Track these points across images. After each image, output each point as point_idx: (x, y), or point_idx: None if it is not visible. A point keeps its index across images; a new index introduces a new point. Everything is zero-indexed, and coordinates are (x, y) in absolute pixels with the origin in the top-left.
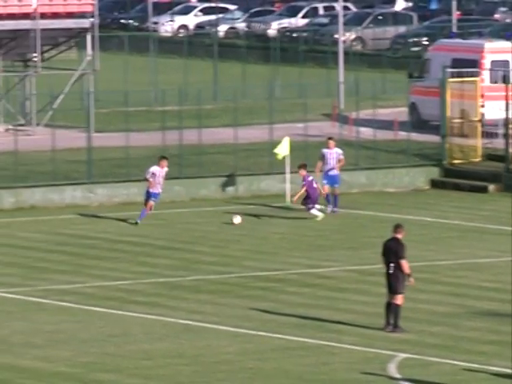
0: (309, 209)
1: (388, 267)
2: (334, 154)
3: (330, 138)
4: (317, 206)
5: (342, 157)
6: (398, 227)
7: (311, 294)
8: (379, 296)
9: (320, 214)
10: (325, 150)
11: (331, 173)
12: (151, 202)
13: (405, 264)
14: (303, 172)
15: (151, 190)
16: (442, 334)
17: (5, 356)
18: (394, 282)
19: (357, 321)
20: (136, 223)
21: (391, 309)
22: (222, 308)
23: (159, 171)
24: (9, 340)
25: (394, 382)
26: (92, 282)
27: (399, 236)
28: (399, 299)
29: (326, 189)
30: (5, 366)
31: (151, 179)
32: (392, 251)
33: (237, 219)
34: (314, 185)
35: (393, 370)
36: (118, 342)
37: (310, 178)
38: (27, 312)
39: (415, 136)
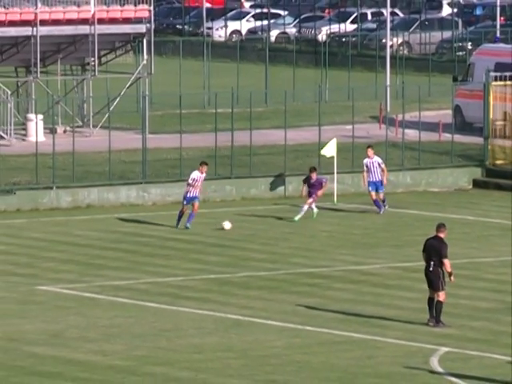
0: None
1: (429, 265)
2: (375, 163)
3: (368, 147)
4: (304, 208)
5: (383, 165)
6: (440, 226)
7: (356, 290)
8: (422, 292)
9: (299, 216)
10: (367, 161)
11: (374, 179)
12: (196, 203)
13: (447, 263)
14: (314, 175)
15: (188, 195)
16: (482, 329)
17: (61, 349)
18: (435, 280)
19: (400, 316)
20: (187, 228)
21: (433, 304)
22: (270, 303)
23: (199, 176)
24: (64, 334)
25: (436, 375)
26: (145, 279)
27: (442, 235)
28: (441, 296)
29: (374, 195)
30: (60, 359)
31: (192, 183)
32: (434, 249)
33: (227, 225)
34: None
35: (435, 363)
36: (170, 336)
37: (325, 180)
38: (83, 307)
39: (459, 138)
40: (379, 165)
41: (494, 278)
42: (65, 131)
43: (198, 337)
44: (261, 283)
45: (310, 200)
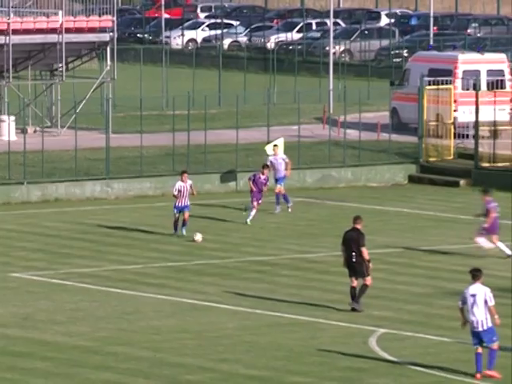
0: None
1: (351, 255)
2: (279, 159)
3: (275, 145)
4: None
5: (287, 160)
6: (357, 218)
7: (302, 277)
8: None
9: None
10: (272, 158)
11: (280, 175)
12: (186, 213)
13: (365, 251)
14: (266, 172)
15: (178, 204)
16: (417, 312)
17: (30, 331)
18: (360, 268)
19: (342, 300)
20: (182, 235)
21: (356, 292)
22: (222, 289)
23: (183, 186)
24: (34, 317)
25: (374, 353)
26: (108, 266)
27: (359, 226)
28: (368, 280)
29: (282, 190)
30: (30, 340)
31: (177, 195)
32: (353, 240)
33: (197, 236)
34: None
35: (373, 343)
36: (131, 318)
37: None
38: (51, 292)
39: (395, 137)
40: (283, 160)
41: (428, 265)
42: (35, 131)
43: (157, 319)
44: (214, 270)
45: (257, 203)
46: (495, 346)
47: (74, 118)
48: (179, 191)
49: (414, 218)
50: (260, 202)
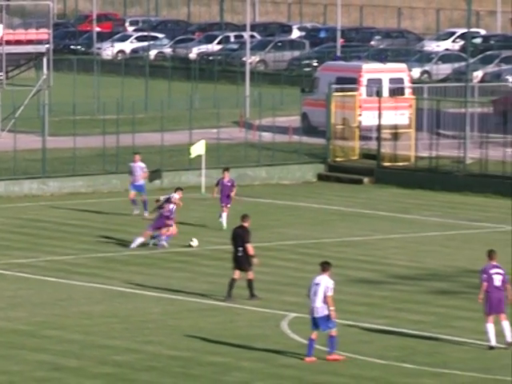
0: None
1: (237, 250)
2: (137, 167)
3: (136, 153)
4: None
5: (145, 169)
6: (244, 217)
7: (220, 266)
8: (275, 267)
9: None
10: (132, 165)
11: (136, 182)
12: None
13: (249, 247)
14: (227, 175)
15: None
16: None
17: None
18: (244, 262)
19: (258, 287)
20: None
21: (234, 284)
22: (148, 277)
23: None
24: None
25: (285, 335)
26: (44, 257)
27: (246, 224)
28: (250, 275)
29: (132, 195)
30: None
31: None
32: (240, 237)
33: (194, 242)
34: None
35: (285, 326)
36: (64, 305)
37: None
38: None
39: (306, 139)
40: (142, 169)
41: (335, 255)
42: None
43: (88, 305)
44: (140, 260)
45: (226, 206)
46: (333, 332)
47: (13, 122)
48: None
49: (322, 212)
50: (228, 205)
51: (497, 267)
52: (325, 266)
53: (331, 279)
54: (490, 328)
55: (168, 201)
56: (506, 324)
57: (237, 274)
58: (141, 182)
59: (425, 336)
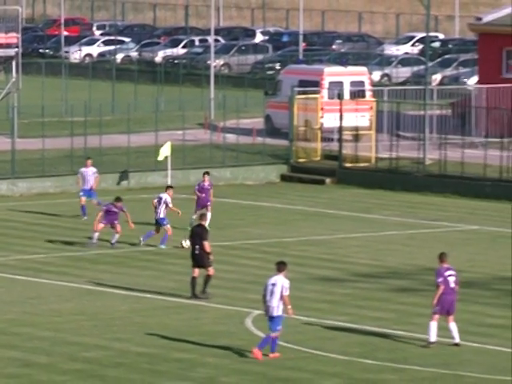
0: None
1: (195, 248)
2: (90, 172)
3: (88, 158)
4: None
5: (96, 174)
6: (202, 216)
7: (186, 264)
8: (239, 266)
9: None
10: (83, 170)
11: (87, 187)
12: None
13: (206, 245)
14: (206, 179)
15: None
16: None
17: None
18: (202, 259)
19: (222, 285)
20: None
21: (196, 283)
22: (115, 275)
23: (167, 199)
24: None
25: (249, 332)
26: (14, 256)
27: (203, 223)
28: (211, 271)
29: (83, 200)
30: None
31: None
32: (198, 235)
33: (186, 243)
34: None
35: (249, 323)
36: (34, 303)
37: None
38: None
39: (269, 140)
40: (93, 173)
41: (297, 253)
42: None
43: (57, 303)
44: (108, 259)
45: (207, 208)
46: (275, 334)
47: None
48: (164, 204)
49: (285, 212)
50: (209, 204)
51: (450, 269)
52: (280, 266)
53: (287, 279)
54: (433, 326)
55: (160, 202)
56: (453, 326)
57: (196, 272)
58: (90, 186)
59: (386, 332)
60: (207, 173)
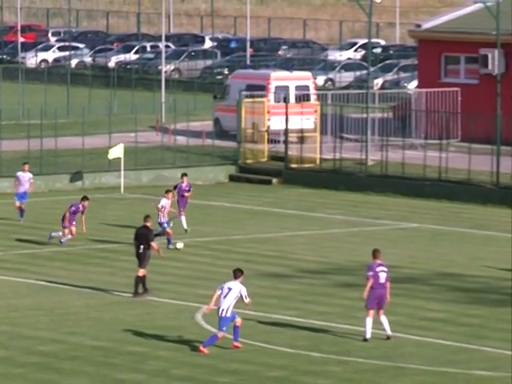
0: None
1: (139, 248)
2: (26, 177)
3: (25, 163)
4: (183, 220)
5: (32, 180)
6: (147, 217)
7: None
8: (189, 262)
9: (185, 226)
10: (19, 174)
11: (21, 191)
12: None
13: (154, 244)
14: (185, 180)
15: (161, 220)
16: None
17: None
18: (145, 259)
19: (173, 281)
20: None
21: (140, 279)
22: (71, 272)
23: (167, 203)
24: None
25: (199, 326)
26: None
27: (148, 224)
28: (141, 272)
29: (17, 204)
30: None
31: (161, 209)
32: (143, 236)
33: (180, 245)
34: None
35: (199, 318)
36: None
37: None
38: None
39: (218, 142)
40: (29, 179)
41: (246, 251)
42: None
43: (15, 299)
44: (63, 256)
45: (183, 210)
46: (220, 334)
47: None
48: (163, 207)
49: (233, 211)
50: (184, 208)
51: (381, 265)
52: (237, 273)
53: (244, 286)
54: (369, 322)
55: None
56: (384, 319)
57: (140, 271)
58: (25, 190)
59: (331, 326)
60: (185, 174)
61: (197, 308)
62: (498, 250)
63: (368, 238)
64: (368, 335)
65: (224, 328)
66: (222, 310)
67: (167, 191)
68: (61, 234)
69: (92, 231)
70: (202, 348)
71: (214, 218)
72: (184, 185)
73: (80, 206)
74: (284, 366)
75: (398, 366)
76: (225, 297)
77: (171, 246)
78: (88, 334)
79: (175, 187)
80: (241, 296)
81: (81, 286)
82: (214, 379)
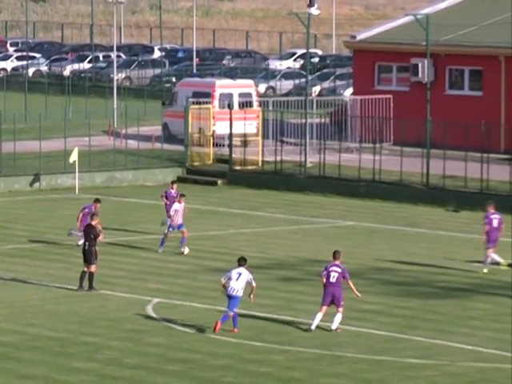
0: None
1: (84, 244)
2: None
3: None
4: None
5: None
6: (93, 215)
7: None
8: (140, 258)
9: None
10: None
11: None
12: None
13: (101, 238)
14: (175, 187)
15: (173, 224)
16: (184, 285)
17: None
18: (90, 256)
19: (125, 276)
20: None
21: (85, 276)
22: (29, 268)
23: (179, 206)
24: None
25: (150, 319)
26: None
27: (93, 222)
28: (93, 268)
29: None
30: None
31: (173, 214)
32: (87, 233)
33: (186, 250)
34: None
35: (150, 310)
36: None
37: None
38: None
39: (167, 146)
40: None
41: (193, 247)
42: None
43: None
44: (23, 253)
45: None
46: (231, 314)
47: None
48: (176, 211)
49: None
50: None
51: (336, 266)
52: (241, 261)
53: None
54: (318, 316)
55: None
56: (337, 316)
57: (86, 267)
58: None
59: (273, 318)
60: (175, 181)
61: (147, 301)
62: (428, 246)
63: (307, 236)
64: (313, 327)
65: (234, 309)
66: (234, 289)
67: (181, 195)
68: (80, 234)
69: (47, 229)
70: (219, 322)
71: (163, 217)
72: (173, 192)
73: (92, 207)
74: (229, 354)
75: (336, 354)
76: (237, 280)
77: (182, 249)
78: (45, 325)
79: (164, 195)
80: (248, 281)
81: (38, 280)
82: (164, 367)
